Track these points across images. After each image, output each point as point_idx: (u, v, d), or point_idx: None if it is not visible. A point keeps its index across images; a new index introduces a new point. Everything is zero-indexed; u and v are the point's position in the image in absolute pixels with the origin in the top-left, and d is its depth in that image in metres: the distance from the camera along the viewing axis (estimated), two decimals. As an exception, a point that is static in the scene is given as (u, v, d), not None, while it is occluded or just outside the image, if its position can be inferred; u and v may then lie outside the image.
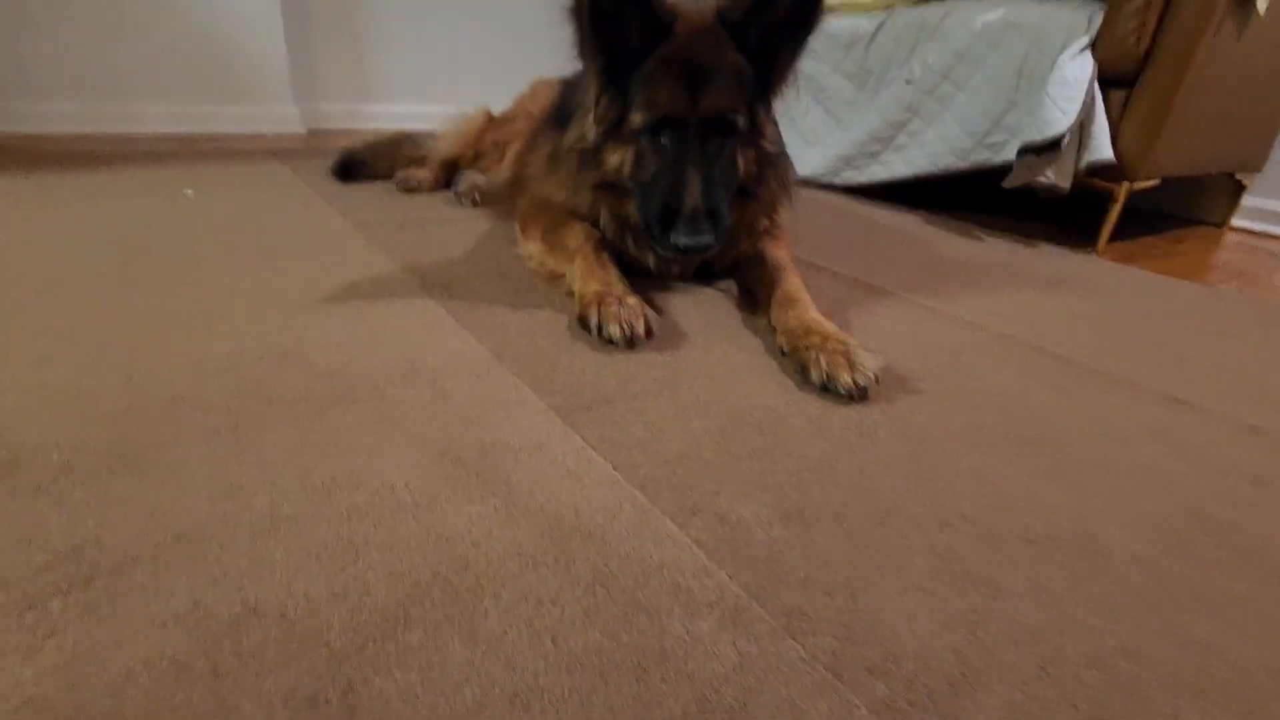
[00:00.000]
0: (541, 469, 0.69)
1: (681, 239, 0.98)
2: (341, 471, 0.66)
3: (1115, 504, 0.71)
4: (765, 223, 1.22)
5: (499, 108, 1.97)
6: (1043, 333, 1.18)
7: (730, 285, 1.27)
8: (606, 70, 1.05)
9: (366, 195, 1.81)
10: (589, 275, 1.07)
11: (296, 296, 1.08)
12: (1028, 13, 1.83)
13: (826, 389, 0.88)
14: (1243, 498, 0.74)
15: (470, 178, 1.83)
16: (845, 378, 0.86)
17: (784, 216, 1.26)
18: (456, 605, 0.51)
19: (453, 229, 1.54)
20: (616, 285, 1.04)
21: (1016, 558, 0.62)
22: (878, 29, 2.19)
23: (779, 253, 1.20)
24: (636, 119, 1.03)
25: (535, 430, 0.75)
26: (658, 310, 1.10)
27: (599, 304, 0.99)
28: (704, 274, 1.28)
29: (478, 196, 1.77)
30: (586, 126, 1.11)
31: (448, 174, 1.93)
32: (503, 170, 1.73)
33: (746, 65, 1.01)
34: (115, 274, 1.12)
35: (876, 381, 0.88)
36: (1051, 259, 1.72)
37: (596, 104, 1.08)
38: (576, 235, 1.17)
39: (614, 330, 0.95)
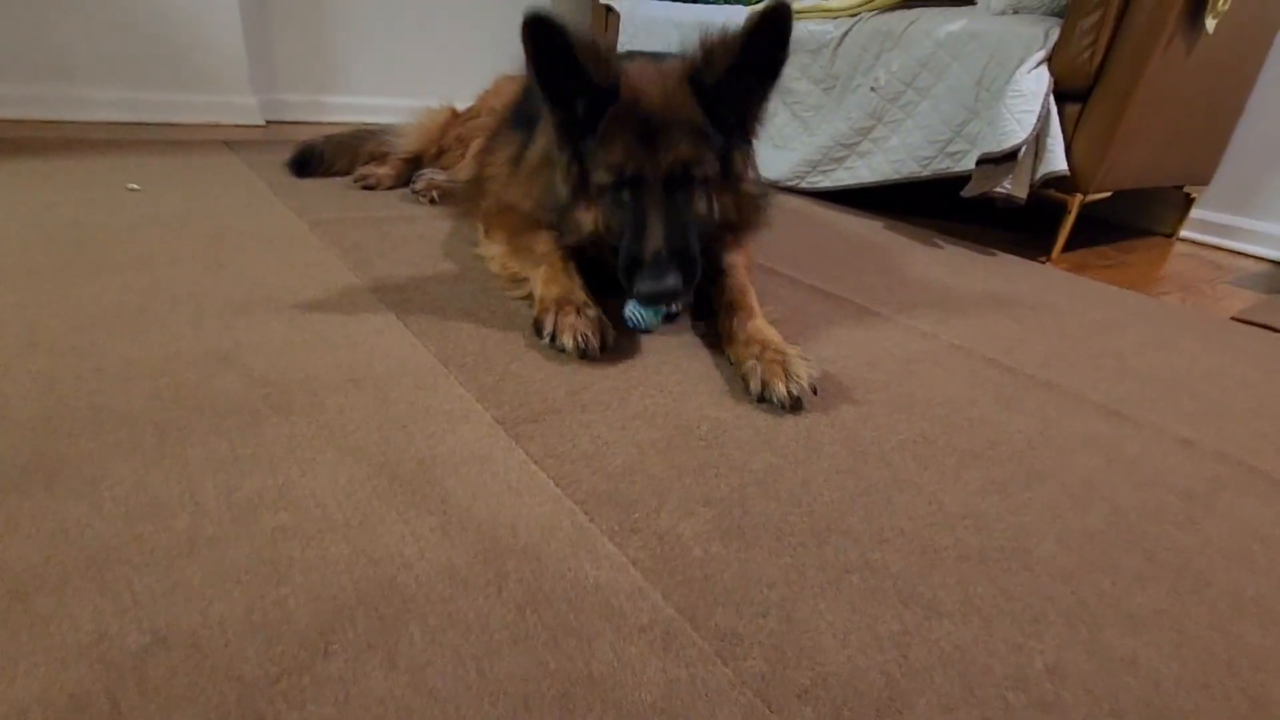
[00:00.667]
0: (482, 484, 0.67)
1: (644, 285, 0.96)
2: (270, 488, 0.64)
3: (1050, 518, 0.73)
4: (728, 234, 1.22)
5: (464, 103, 1.94)
6: (993, 343, 1.20)
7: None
8: (565, 124, 1.03)
9: (323, 192, 1.76)
10: (552, 281, 1.06)
11: (240, 298, 1.04)
12: (988, 25, 1.86)
13: (764, 399, 0.88)
14: (1171, 512, 0.76)
15: (428, 176, 1.80)
16: (780, 388, 0.87)
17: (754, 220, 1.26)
18: (380, 632, 0.50)
19: (409, 228, 1.51)
20: (578, 294, 1.03)
21: (950, 575, 0.62)
22: (844, 35, 2.20)
23: (736, 260, 1.20)
24: (600, 178, 1.02)
25: (478, 443, 0.74)
26: (616, 323, 1.09)
27: (557, 311, 0.98)
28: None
29: (435, 195, 1.74)
30: (556, 183, 1.11)
31: (410, 170, 1.89)
32: (464, 168, 1.70)
33: (705, 119, 1.00)
34: (47, 269, 1.07)
35: (814, 392, 0.89)
36: (1007, 267, 1.76)
37: (562, 160, 1.07)
38: (545, 241, 1.15)
39: (567, 340, 0.94)
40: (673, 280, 0.95)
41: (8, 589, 0.50)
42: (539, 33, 0.94)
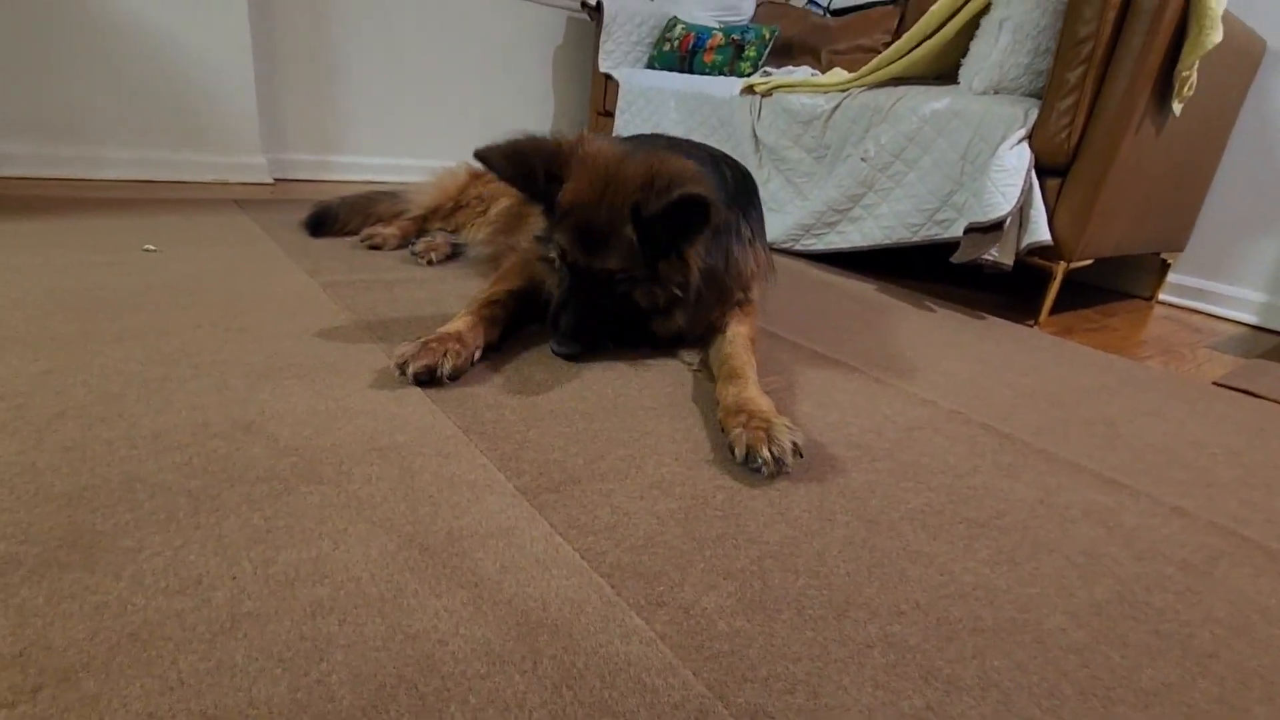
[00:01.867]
0: (510, 557, 0.69)
1: (553, 346, 1.23)
2: (305, 561, 0.65)
3: (1057, 590, 0.75)
4: (731, 305, 1.29)
5: (459, 162, 2.02)
6: (990, 410, 1.24)
7: (699, 356, 1.30)
8: (541, 204, 1.25)
9: (333, 252, 1.81)
10: (460, 318, 1.19)
11: (261, 364, 1.07)
12: (970, 104, 1.97)
13: (749, 464, 0.91)
14: (1172, 583, 0.79)
15: (427, 239, 1.85)
16: (764, 451, 0.90)
17: (754, 295, 1.32)
18: (422, 712, 0.51)
19: (419, 290, 1.55)
20: (465, 333, 1.14)
21: (966, 648, 0.64)
22: (835, 109, 2.32)
23: (740, 328, 1.26)
24: (556, 244, 1.22)
25: (503, 514, 0.76)
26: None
27: (424, 345, 1.08)
28: (676, 343, 1.32)
29: (434, 257, 1.79)
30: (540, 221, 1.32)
31: (418, 231, 1.95)
32: (484, 226, 1.75)
33: (635, 239, 1.16)
34: (70, 336, 1.09)
35: (799, 454, 0.92)
36: (997, 331, 1.82)
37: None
38: (499, 285, 1.31)
39: (408, 370, 1.04)
40: (572, 349, 1.22)
41: (56, 667, 0.51)
42: (487, 158, 1.18)
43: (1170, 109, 1.82)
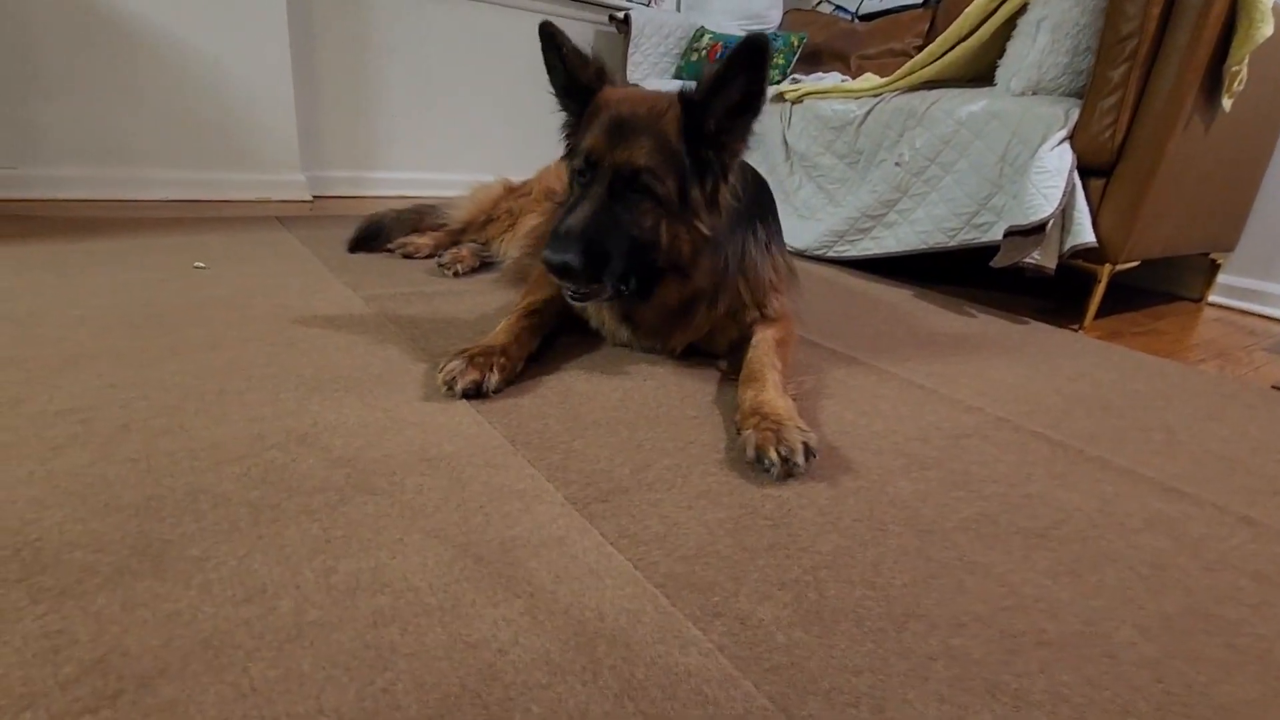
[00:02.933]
0: (563, 567, 0.69)
1: (546, 253, 1.04)
2: (365, 570, 0.66)
3: (1123, 601, 0.73)
4: (755, 314, 1.27)
5: (488, 179, 2.06)
6: (1038, 416, 1.21)
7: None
8: (570, 122, 1.23)
9: (373, 267, 1.85)
10: (500, 330, 1.18)
11: (310, 376, 1.09)
12: (1008, 105, 1.94)
13: (759, 464, 0.91)
14: (1245, 595, 0.76)
15: (453, 250, 1.88)
16: (771, 452, 0.90)
17: (781, 302, 1.31)
18: (487, 721, 0.51)
19: (458, 303, 1.57)
20: (508, 345, 1.13)
21: (1032, 662, 0.63)
22: (867, 114, 2.30)
23: (766, 332, 1.24)
24: (573, 164, 1.17)
25: (554, 524, 0.76)
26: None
27: (469, 359, 1.07)
28: (706, 353, 1.32)
29: (460, 268, 1.81)
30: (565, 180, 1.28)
31: (454, 241, 1.98)
32: (514, 242, 1.78)
33: (678, 142, 1.09)
34: (130, 352, 1.13)
35: (811, 455, 0.91)
36: (1041, 336, 1.78)
37: (567, 157, 1.25)
38: (533, 295, 1.30)
39: (456, 387, 1.04)
40: (569, 256, 1.02)
41: (134, 673, 0.52)
42: (544, 34, 1.16)
43: (1220, 104, 1.77)
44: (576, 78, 1.18)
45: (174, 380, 1.03)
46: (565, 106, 1.24)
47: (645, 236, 1.11)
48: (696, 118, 1.09)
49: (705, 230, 1.13)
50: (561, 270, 1.05)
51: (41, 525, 0.68)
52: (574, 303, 1.20)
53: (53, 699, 0.50)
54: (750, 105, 1.08)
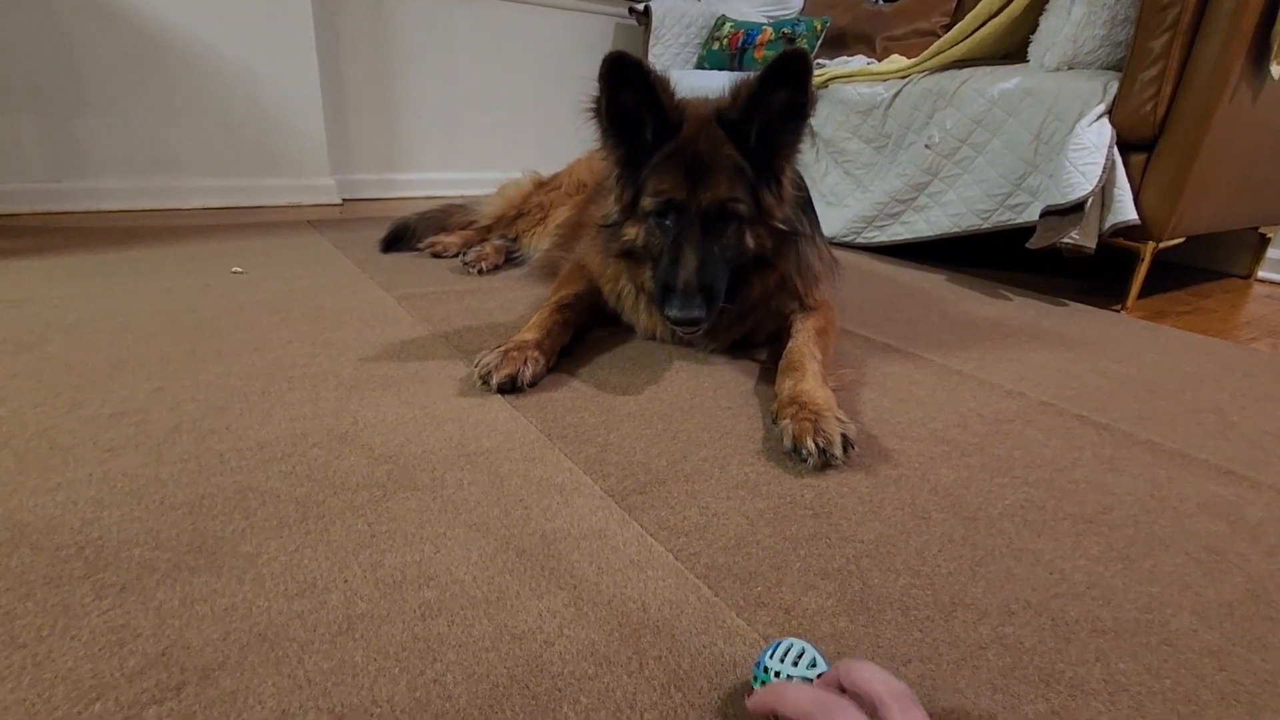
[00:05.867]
0: (605, 558, 0.70)
1: (674, 312, 1.06)
2: (410, 564, 0.67)
3: (1179, 588, 0.70)
4: (795, 304, 1.26)
5: (515, 175, 2.07)
6: (1083, 400, 1.18)
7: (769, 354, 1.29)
8: (624, 160, 1.17)
9: (403, 266, 1.87)
10: (534, 326, 1.18)
11: (349, 375, 1.11)
12: (1043, 81, 1.89)
13: (796, 454, 0.90)
14: (1311, 580, 0.73)
15: (476, 248, 1.89)
16: (809, 443, 0.89)
17: (823, 292, 1.29)
18: (537, 711, 0.52)
19: (489, 300, 1.59)
20: (542, 339, 1.14)
21: (1088, 651, 0.61)
22: (895, 96, 2.26)
23: (807, 322, 1.23)
24: (646, 203, 1.14)
25: (593, 516, 0.77)
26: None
27: (505, 353, 1.08)
28: (743, 345, 1.31)
29: (484, 266, 1.82)
30: (610, 205, 1.24)
31: (483, 238, 2.00)
32: (544, 236, 1.79)
33: (741, 159, 1.10)
34: (176, 355, 1.16)
35: (850, 447, 0.90)
36: (1082, 318, 1.73)
37: (616, 187, 1.21)
38: (564, 289, 1.30)
39: (491, 381, 1.05)
40: (698, 311, 1.05)
41: (196, 666, 0.54)
42: (618, 68, 1.06)
43: (1268, 73, 1.70)
44: (662, 112, 1.08)
45: (220, 382, 1.06)
46: (624, 146, 1.14)
47: (736, 252, 1.14)
48: (737, 132, 1.09)
49: (781, 224, 1.15)
50: (689, 323, 1.07)
51: (102, 524, 0.70)
52: (689, 338, 1.21)
53: (121, 691, 0.51)
54: (797, 113, 1.07)
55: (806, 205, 1.31)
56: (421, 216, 2.07)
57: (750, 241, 1.13)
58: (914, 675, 0.57)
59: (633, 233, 1.19)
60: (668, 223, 1.12)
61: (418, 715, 0.51)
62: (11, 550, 0.66)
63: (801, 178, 1.38)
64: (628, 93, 1.08)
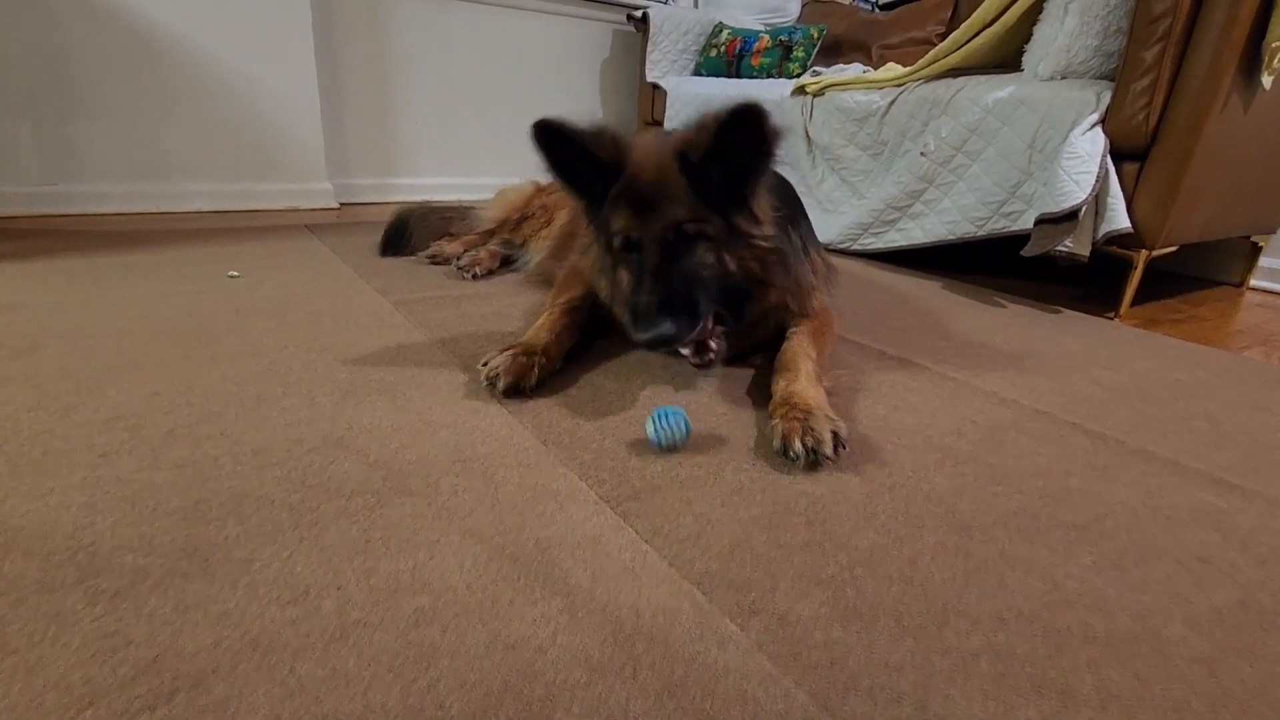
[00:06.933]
0: (599, 565, 0.70)
1: (640, 334, 1.03)
2: (404, 571, 0.67)
3: (1172, 597, 0.71)
4: (794, 310, 1.26)
5: (513, 181, 2.08)
6: (1076, 408, 1.19)
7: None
8: (588, 206, 1.20)
9: (401, 271, 1.87)
10: (540, 329, 1.19)
11: (345, 381, 1.11)
12: (1036, 91, 1.90)
13: (785, 454, 0.91)
14: (1301, 589, 0.74)
15: (471, 253, 1.89)
16: (796, 443, 0.90)
17: (820, 300, 1.29)
18: (530, 719, 0.52)
19: (487, 306, 1.59)
20: (546, 343, 1.15)
21: (1079, 659, 0.61)
22: (890, 104, 2.27)
23: (803, 326, 1.23)
24: (614, 245, 1.16)
25: (588, 523, 0.77)
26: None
27: (514, 355, 1.09)
28: (749, 351, 1.31)
29: (478, 271, 1.83)
30: (590, 248, 1.29)
31: (484, 244, 2.00)
32: (545, 242, 1.79)
33: (690, 186, 1.08)
34: (172, 360, 1.16)
35: (841, 446, 0.91)
36: (1075, 326, 1.74)
37: (590, 232, 1.24)
38: (567, 293, 1.30)
39: (499, 384, 1.06)
40: (666, 326, 1.01)
41: (188, 672, 0.54)
42: (546, 133, 1.10)
43: (1259, 83, 1.71)
44: (599, 160, 1.10)
45: (215, 387, 1.06)
46: (583, 194, 1.17)
47: (713, 271, 1.11)
48: (692, 165, 1.07)
49: (764, 243, 1.14)
50: (663, 342, 1.04)
51: (95, 529, 0.70)
52: (699, 367, 1.17)
53: (113, 698, 0.51)
54: (761, 150, 1.05)
55: (795, 219, 1.30)
56: (420, 218, 2.06)
57: (731, 262, 1.12)
58: (906, 683, 0.57)
59: (623, 279, 1.17)
60: (634, 256, 1.13)
61: (410, 723, 0.51)
62: (3, 556, 0.66)
63: (791, 191, 1.39)
64: (561, 150, 1.11)
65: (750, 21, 3.48)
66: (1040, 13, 2.00)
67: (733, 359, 1.31)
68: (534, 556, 0.70)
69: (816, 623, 0.64)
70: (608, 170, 1.11)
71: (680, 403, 1.11)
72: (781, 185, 1.32)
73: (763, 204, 1.14)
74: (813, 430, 0.91)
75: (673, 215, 1.08)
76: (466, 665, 0.56)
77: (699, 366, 1.16)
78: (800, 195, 1.45)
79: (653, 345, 1.07)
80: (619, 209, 1.12)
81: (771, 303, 1.22)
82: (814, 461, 0.89)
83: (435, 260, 1.96)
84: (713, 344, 1.14)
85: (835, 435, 0.91)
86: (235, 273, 1.73)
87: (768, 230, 1.14)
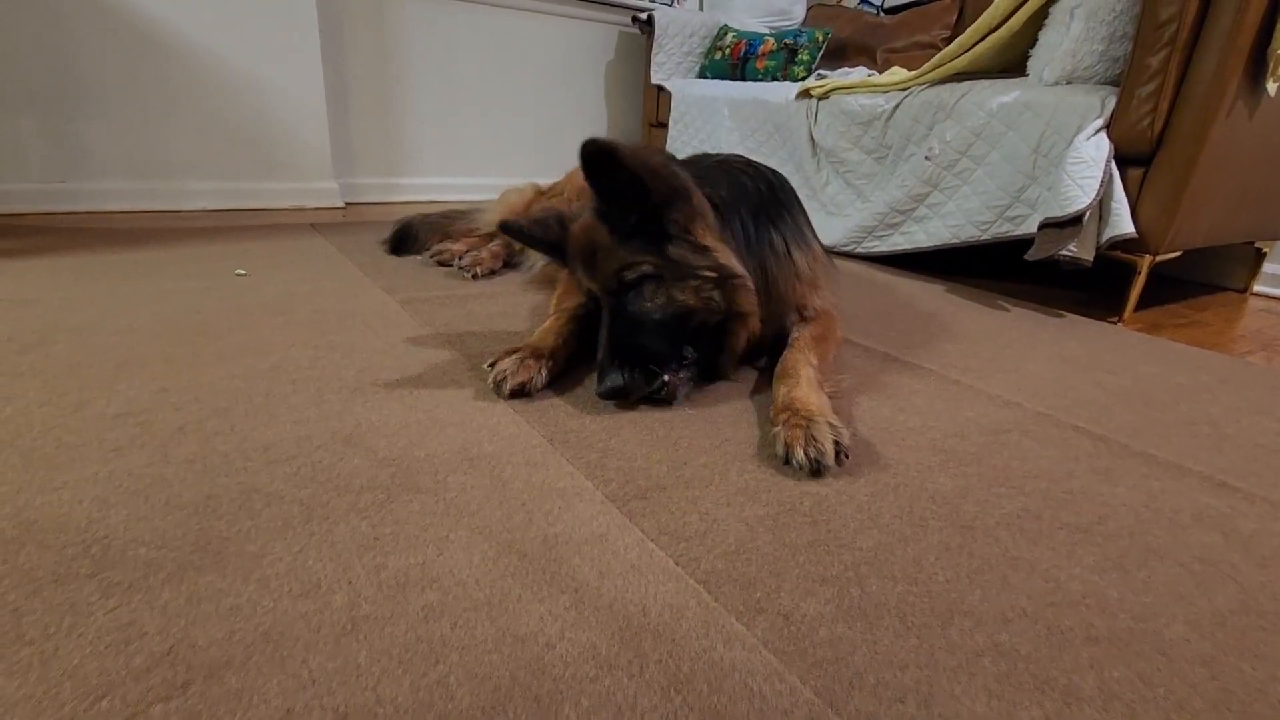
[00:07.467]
0: (606, 563, 0.70)
1: (597, 389, 1.05)
2: (413, 566, 0.68)
3: (1174, 598, 0.71)
4: (793, 315, 1.26)
5: (517, 182, 2.09)
6: (1079, 410, 1.19)
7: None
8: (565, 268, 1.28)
9: (406, 270, 1.88)
10: (545, 332, 1.20)
11: (352, 379, 1.12)
12: (1042, 95, 1.91)
13: (788, 462, 0.91)
14: (1303, 592, 0.74)
15: (473, 254, 1.90)
16: (799, 452, 0.90)
17: (823, 299, 1.29)
18: (538, 713, 0.52)
19: (493, 305, 1.60)
20: (552, 347, 1.16)
21: (1082, 658, 0.62)
22: (895, 108, 2.28)
23: (805, 330, 1.23)
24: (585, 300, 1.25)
25: (595, 521, 0.77)
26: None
27: (521, 358, 1.11)
28: (752, 355, 1.31)
29: (479, 270, 1.83)
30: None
31: (488, 244, 2.01)
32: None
33: (614, 234, 1.09)
34: (180, 357, 1.17)
35: (843, 455, 0.91)
36: (1079, 330, 1.75)
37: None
38: (571, 298, 1.31)
39: (504, 386, 1.08)
40: (613, 381, 1.03)
41: (202, 664, 0.54)
42: (505, 229, 1.31)
43: (1264, 90, 1.72)
44: (549, 241, 1.24)
45: (223, 384, 1.07)
46: (561, 264, 1.30)
47: (667, 310, 1.09)
48: (616, 218, 1.08)
49: (712, 273, 1.09)
50: (615, 394, 1.05)
51: (107, 523, 0.71)
52: (668, 404, 1.14)
53: (127, 689, 0.52)
54: (639, 186, 1.03)
55: (783, 212, 1.27)
56: (424, 220, 2.08)
57: (687, 298, 1.09)
58: (910, 680, 0.58)
59: None
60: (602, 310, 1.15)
61: (421, 716, 0.51)
62: (19, 548, 0.67)
63: (779, 184, 1.34)
64: (522, 237, 1.30)
65: (755, 24, 3.49)
66: (1046, 18, 2.01)
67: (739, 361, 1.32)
68: (541, 553, 0.71)
69: (821, 620, 0.64)
70: (557, 242, 1.23)
71: (683, 406, 1.11)
72: (769, 185, 1.30)
73: (703, 230, 1.09)
74: (815, 440, 0.91)
75: (608, 266, 1.09)
76: (475, 659, 0.57)
77: (661, 401, 1.11)
78: (804, 198, 1.45)
79: (607, 398, 1.08)
80: (575, 273, 1.20)
81: (756, 331, 1.17)
82: (816, 470, 0.90)
83: (440, 260, 1.97)
84: (665, 378, 1.09)
85: (837, 444, 0.91)
86: (242, 271, 1.74)
87: (719, 258, 1.09)
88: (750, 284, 1.13)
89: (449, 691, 0.54)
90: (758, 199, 1.24)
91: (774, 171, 1.36)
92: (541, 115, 3.57)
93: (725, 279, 1.10)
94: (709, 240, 1.10)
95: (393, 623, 0.60)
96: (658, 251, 1.08)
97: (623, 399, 1.08)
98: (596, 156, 0.99)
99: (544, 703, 0.53)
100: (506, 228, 1.29)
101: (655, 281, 1.09)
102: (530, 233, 1.27)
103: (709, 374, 1.22)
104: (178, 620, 0.59)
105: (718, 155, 1.42)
